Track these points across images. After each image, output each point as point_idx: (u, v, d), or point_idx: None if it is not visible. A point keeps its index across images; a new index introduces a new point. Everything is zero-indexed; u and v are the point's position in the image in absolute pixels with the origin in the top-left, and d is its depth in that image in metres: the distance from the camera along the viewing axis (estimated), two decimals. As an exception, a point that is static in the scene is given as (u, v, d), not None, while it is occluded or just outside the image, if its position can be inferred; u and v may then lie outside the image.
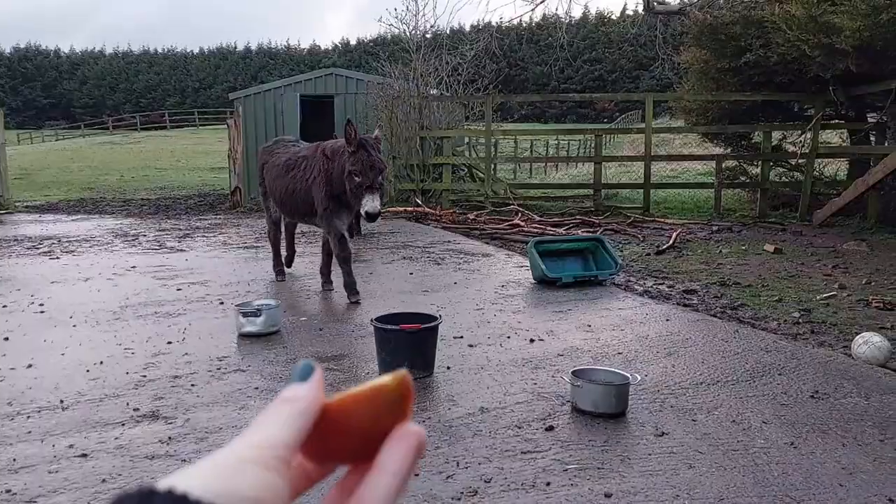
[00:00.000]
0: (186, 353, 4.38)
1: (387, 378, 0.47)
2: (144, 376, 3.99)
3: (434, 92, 13.31)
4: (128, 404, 3.54)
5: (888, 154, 9.04)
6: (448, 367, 4.10)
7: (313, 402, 0.45)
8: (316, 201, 5.57)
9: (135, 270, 7.14)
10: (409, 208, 11.59)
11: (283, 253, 6.79)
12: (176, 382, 3.89)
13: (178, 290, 6.18)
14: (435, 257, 7.59)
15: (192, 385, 3.85)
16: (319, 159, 5.50)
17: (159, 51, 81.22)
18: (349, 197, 5.22)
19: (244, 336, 4.69)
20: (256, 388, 3.81)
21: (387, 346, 3.85)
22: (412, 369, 3.81)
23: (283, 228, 6.74)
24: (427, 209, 11.31)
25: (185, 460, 2.97)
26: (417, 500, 2.71)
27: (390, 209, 11.52)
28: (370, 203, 5.02)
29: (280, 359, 4.29)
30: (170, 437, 3.19)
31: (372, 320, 4.05)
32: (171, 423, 3.35)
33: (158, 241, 9.20)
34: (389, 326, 3.89)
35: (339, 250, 5.60)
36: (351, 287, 5.65)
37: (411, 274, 6.83)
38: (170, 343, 4.59)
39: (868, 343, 4.30)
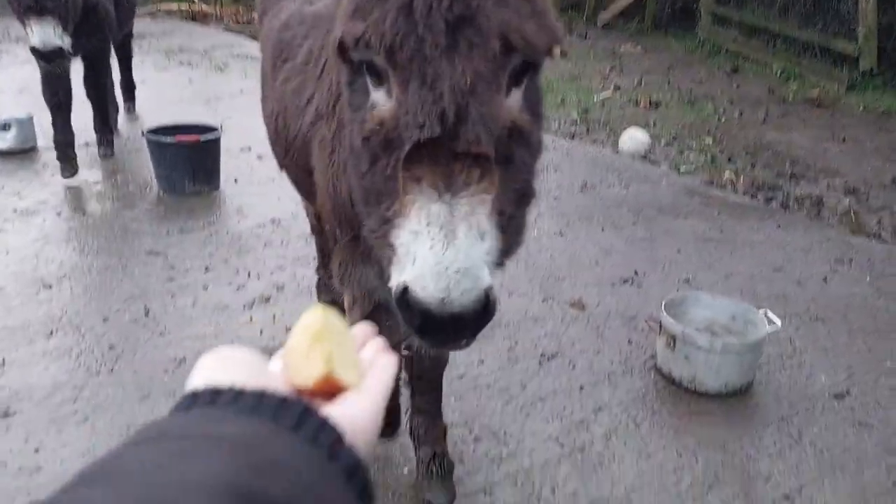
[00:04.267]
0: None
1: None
2: None
3: None
4: None
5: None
6: (236, 180, 3.92)
7: None
8: (319, 190, 1.70)
9: None
10: (185, 6, 10.31)
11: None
12: None
13: None
14: (218, 63, 6.93)
15: (-71, 215, 3.36)
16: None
17: None
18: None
19: (-8, 156, 4.11)
20: (15, 211, 3.42)
21: (163, 161, 3.56)
22: (194, 183, 3.60)
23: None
24: (206, 8, 10.15)
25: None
26: (207, 311, 2.67)
27: (163, 6, 10.18)
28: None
29: (40, 178, 3.83)
30: None
31: (144, 132, 3.69)
32: None
33: None
34: (165, 139, 3.57)
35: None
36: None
37: (190, 81, 6.22)
38: None
39: (632, 138, 4.73)
